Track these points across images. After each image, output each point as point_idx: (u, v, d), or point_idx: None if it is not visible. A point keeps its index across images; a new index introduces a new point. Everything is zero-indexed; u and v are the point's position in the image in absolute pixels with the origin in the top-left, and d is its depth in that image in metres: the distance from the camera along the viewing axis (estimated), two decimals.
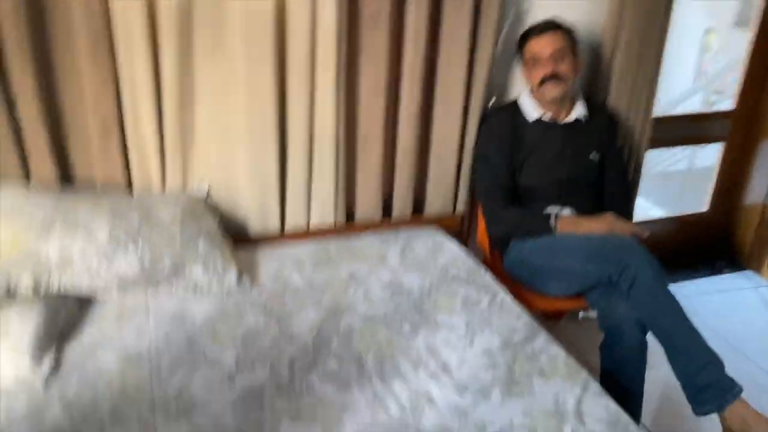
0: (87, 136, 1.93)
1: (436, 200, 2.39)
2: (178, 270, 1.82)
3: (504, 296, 1.89)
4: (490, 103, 2.35)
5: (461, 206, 2.43)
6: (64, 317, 1.67)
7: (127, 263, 1.75)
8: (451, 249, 2.19)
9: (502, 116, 2.24)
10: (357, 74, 2.11)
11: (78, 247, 1.70)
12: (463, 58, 2.16)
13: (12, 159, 1.85)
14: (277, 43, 1.96)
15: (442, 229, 2.34)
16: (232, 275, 1.88)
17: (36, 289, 1.65)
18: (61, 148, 1.93)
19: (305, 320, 1.75)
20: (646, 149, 2.52)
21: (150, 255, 1.78)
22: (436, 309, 1.83)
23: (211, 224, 1.99)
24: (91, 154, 1.95)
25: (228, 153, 2.09)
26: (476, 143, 2.29)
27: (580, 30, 2.27)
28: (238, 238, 2.15)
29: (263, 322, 1.73)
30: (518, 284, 2.16)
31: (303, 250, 2.15)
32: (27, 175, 1.90)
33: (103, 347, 1.60)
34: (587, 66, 2.44)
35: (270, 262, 2.07)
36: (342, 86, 2.06)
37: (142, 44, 1.84)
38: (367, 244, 2.21)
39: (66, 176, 1.97)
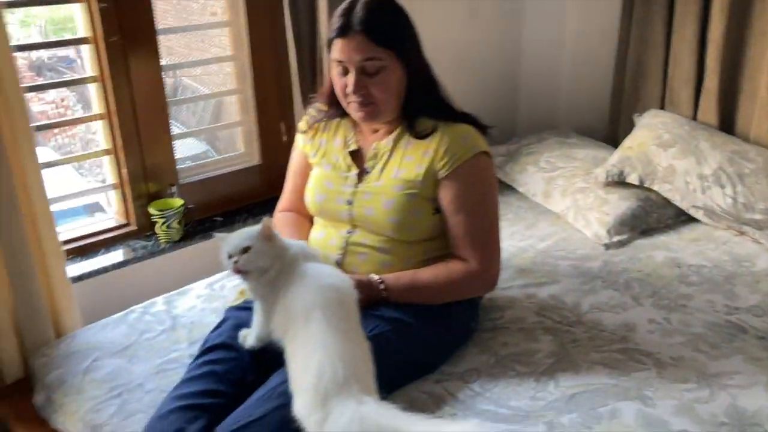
0: (755, 91, 2.11)
1: None
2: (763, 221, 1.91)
3: None
4: None
5: None
6: (653, 219, 2.05)
7: (720, 198, 1.96)
8: None
9: None
10: None
11: (683, 168, 2.02)
12: None
13: (686, 97, 2.25)
14: None
15: None
16: None
17: (639, 186, 2.08)
18: (730, 97, 2.18)
19: None
20: None
21: (745, 199, 1.92)
22: None
23: None
24: (754, 109, 2.13)
25: None
26: None
27: None
28: None
29: None
30: None
31: None
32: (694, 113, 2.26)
33: (651, 251, 1.92)
34: None
35: None
36: None
37: None
38: None
39: (729, 124, 2.22)
